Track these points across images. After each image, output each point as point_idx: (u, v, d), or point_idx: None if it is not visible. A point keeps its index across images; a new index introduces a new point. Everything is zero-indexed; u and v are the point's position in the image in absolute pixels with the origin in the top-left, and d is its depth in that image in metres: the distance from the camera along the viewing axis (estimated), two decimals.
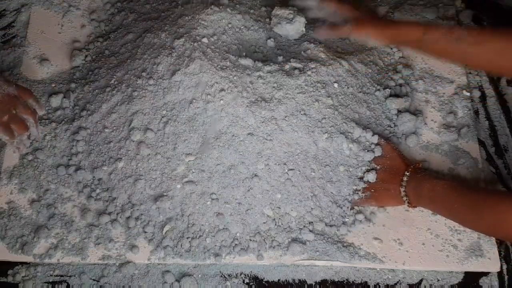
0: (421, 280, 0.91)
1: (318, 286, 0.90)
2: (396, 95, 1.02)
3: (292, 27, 1.01)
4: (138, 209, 0.91)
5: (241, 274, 0.90)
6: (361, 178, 0.94)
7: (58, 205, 0.92)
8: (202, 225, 0.89)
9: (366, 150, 0.94)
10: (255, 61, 0.97)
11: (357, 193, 0.93)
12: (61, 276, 0.89)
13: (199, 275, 0.89)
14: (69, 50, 1.07)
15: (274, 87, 0.94)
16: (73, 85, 1.02)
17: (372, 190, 0.93)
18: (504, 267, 0.92)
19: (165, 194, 0.90)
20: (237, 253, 0.89)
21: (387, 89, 1.02)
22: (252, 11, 1.04)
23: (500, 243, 0.93)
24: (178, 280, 0.88)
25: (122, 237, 0.91)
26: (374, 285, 0.90)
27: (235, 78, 0.93)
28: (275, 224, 0.90)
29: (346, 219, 0.92)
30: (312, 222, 0.91)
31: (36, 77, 1.04)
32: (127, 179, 0.92)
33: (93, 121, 0.97)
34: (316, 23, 0.99)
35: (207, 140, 0.91)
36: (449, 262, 0.90)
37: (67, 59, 1.06)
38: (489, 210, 0.78)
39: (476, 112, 1.04)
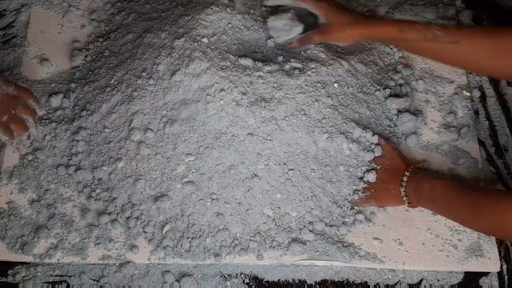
0: (421, 280, 0.91)
1: (318, 286, 0.90)
2: (396, 95, 1.02)
3: (290, 37, 0.98)
4: (138, 209, 0.91)
5: (241, 274, 0.90)
6: (361, 178, 0.94)
7: (58, 205, 0.92)
8: (202, 225, 0.89)
9: (366, 150, 0.94)
10: (255, 61, 0.97)
11: (357, 193, 0.93)
12: (61, 276, 0.89)
13: (199, 275, 0.89)
14: (69, 50, 1.07)
15: (274, 87, 0.94)
16: (73, 85, 1.02)
17: (372, 190, 0.93)
18: (504, 267, 0.92)
19: (165, 194, 0.90)
20: (237, 253, 0.89)
21: (387, 89, 1.02)
22: (252, 11, 1.04)
23: (500, 243, 0.93)
24: (178, 280, 0.88)
25: (122, 237, 0.91)
26: (374, 285, 0.90)
27: (235, 78, 0.93)
28: (275, 224, 0.90)
29: (346, 219, 0.92)
30: (312, 222, 0.91)
31: (36, 77, 1.04)
32: (127, 179, 0.92)
33: (93, 121, 0.97)
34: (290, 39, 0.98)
35: (207, 140, 0.91)
36: (449, 262, 0.90)
37: (67, 59, 1.06)
38: (489, 209, 0.78)
39: (476, 112, 1.04)
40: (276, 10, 1.00)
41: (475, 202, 0.80)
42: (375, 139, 0.95)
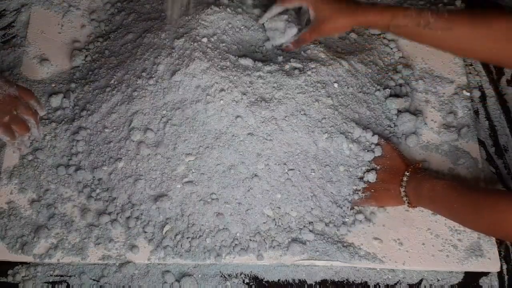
0: (421, 280, 0.91)
1: (318, 286, 0.90)
2: (396, 95, 1.02)
3: (285, 38, 0.99)
4: (138, 209, 0.91)
5: (241, 274, 0.90)
6: (361, 178, 0.94)
7: (58, 205, 0.92)
8: (202, 225, 0.89)
9: (366, 150, 0.95)
10: (255, 61, 0.97)
11: (357, 193, 0.93)
12: (61, 276, 0.89)
13: (199, 275, 0.89)
14: (69, 50, 1.07)
15: (274, 87, 0.94)
16: (73, 85, 1.02)
17: (372, 190, 0.93)
18: (504, 267, 0.92)
19: (165, 194, 0.90)
20: (237, 253, 0.89)
21: (387, 89, 1.02)
22: (252, 11, 1.04)
23: (500, 243, 0.93)
24: (178, 280, 0.88)
25: (122, 237, 0.91)
26: (374, 285, 0.90)
27: (235, 78, 0.93)
28: (275, 224, 0.90)
29: (346, 219, 0.92)
30: (312, 222, 0.91)
31: (36, 77, 1.04)
32: (127, 179, 0.92)
33: (93, 121, 0.97)
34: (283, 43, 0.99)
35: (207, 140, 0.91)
36: (449, 262, 0.90)
37: (67, 59, 1.06)
38: (489, 209, 0.78)
39: (476, 112, 1.04)
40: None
41: (475, 202, 0.80)
42: (375, 139, 0.95)
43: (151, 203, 0.90)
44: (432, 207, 0.88)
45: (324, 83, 0.96)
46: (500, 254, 0.92)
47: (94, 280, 0.89)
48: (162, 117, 0.93)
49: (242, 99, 0.92)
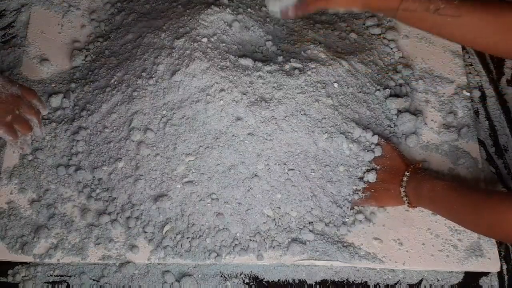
0: (421, 280, 0.91)
1: (318, 286, 0.90)
2: (396, 95, 1.02)
3: (282, 4, 0.87)
4: (138, 209, 0.91)
5: (241, 274, 0.90)
6: (361, 178, 0.94)
7: (58, 205, 0.92)
8: (202, 225, 0.89)
9: (366, 150, 0.94)
10: (255, 61, 0.97)
11: (357, 193, 0.93)
12: (61, 276, 0.89)
13: (199, 275, 0.89)
14: (69, 50, 1.07)
15: (274, 87, 0.94)
16: (73, 85, 1.02)
17: (372, 190, 0.93)
18: (504, 267, 0.92)
19: (165, 194, 0.90)
20: (237, 253, 0.89)
21: (387, 89, 1.02)
22: (252, 11, 1.04)
23: (500, 243, 0.93)
24: (178, 280, 0.88)
25: (122, 237, 0.91)
26: (374, 285, 0.90)
27: (235, 78, 0.93)
28: (275, 224, 0.90)
29: (346, 219, 0.92)
30: (312, 222, 0.91)
31: (36, 77, 1.04)
32: (127, 179, 0.92)
33: (93, 121, 0.97)
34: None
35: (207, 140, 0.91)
36: (449, 262, 0.90)
37: (67, 59, 1.06)
38: (489, 210, 0.78)
39: (476, 112, 1.04)
40: None
41: (475, 203, 0.80)
42: (375, 139, 0.95)
43: (151, 203, 0.90)
44: (432, 207, 0.88)
45: (324, 83, 0.96)
46: (500, 254, 0.92)
47: (94, 280, 0.89)
48: (162, 117, 0.93)
49: (242, 99, 0.92)
